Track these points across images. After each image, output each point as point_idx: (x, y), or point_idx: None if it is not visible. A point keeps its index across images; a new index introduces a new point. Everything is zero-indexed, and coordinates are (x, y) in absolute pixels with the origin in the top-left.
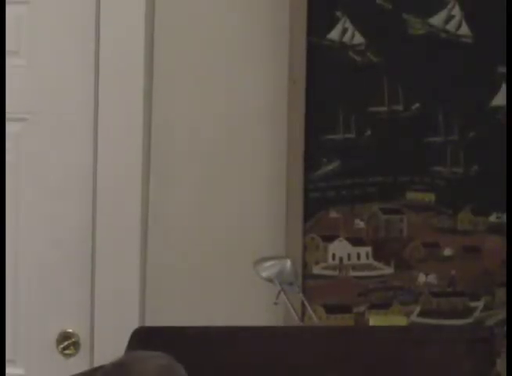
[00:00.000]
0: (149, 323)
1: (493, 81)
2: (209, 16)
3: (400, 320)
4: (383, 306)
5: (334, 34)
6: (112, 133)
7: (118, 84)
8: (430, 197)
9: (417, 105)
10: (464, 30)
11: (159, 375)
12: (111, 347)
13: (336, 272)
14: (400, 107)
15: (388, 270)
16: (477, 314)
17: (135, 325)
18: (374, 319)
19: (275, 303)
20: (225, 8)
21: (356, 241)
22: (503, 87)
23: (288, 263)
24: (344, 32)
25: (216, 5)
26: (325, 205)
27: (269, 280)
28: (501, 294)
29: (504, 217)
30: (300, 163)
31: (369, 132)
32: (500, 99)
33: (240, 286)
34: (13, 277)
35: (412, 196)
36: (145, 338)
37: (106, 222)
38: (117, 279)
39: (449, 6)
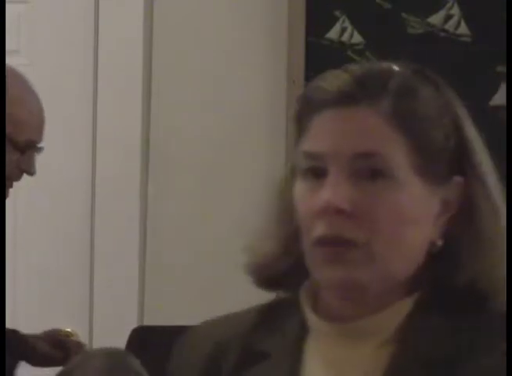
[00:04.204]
0: (147, 322)
1: (492, 80)
2: (208, 16)
3: None
4: None
5: (333, 34)
6: (111, 132)
7: (117, 83)
8: None
9: None
10: (463, 29)
11: None
12: (110, 346)
13: None
14: None
15: None
16: None
17: (134, 324)
18: None
19: None
20: (223, 7)
21: None
22: (502, 86)
23: None
24: (343, 31)
25: (215, 4)
26: None
27: None
28: None
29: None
30: None
31: None
32: (499, 99)
33: (240, 285)
34: (12, 277)
35: None
36: (143, 337)
37: (105, 223)
38: (116, 278)
39: (448, 5)
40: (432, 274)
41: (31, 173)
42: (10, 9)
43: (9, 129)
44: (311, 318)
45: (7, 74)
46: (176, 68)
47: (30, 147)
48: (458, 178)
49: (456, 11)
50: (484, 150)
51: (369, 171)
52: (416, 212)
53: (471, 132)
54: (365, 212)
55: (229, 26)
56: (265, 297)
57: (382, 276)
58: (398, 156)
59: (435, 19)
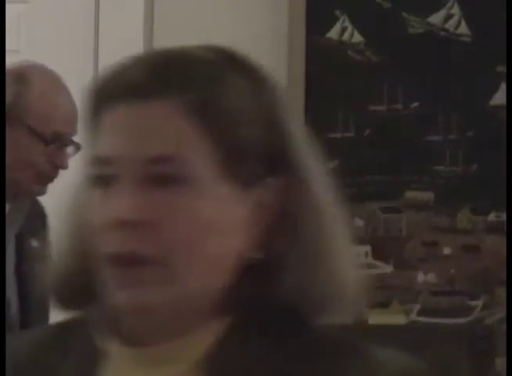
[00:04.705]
0: None
1: (492, 80)
2: (208, 16)
3: (399, 319)
4: (382, 305)
5: (333, 33)
6: None
7: None
8: (429, 196)
9: (416, 104)
10: (463, 29)
11: None
12: None
13: None
14: (399, 106)
15: (388, 269)
16: (476, 313)
17: None
18: (373, 318)
19: None
20: (223, 7)
21: (355, 240)
22: (502, 86)
23: None
24: (343, 31)
25: (215, 4)
26: None
27: None
28: (500, 292)
29: (503, 216)
30: None
31: (368, 131)
32: (499, 99)
33: None
34: None
35: (411, 195)
36: None
37: None
38: None
39: (448, 5)
40: (249, 292)
41: (64, 167)
42: (10, 9)
43: (31, 122)
44: (107, 343)
45: (32, 70)
46: None
47: (59, 140)
48: (276, 179)
49: (456, 11)
50: (308, 147)
51: (163, 177)
52: (221, 221)
53: (292, 127)
54: (159, 225)
55: (229, 26)
56: None
57: (182, 296)
58: (198, 157)
59: (435, 18)
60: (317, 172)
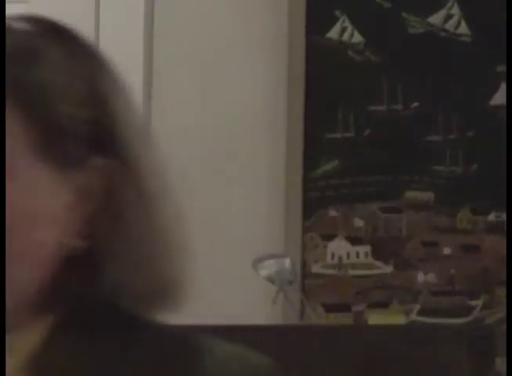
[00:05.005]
0: None
1: (492, 80)
2: (208, 16)
3: (399, 319)
4: (382, 305)
5: (333, 33)
6: None
7: None
8: (429, 196)
9: (416, 104)
10: (463, 29)
11: None
12: None
13: (335, 271)
14: (399, 106)
15: (387, 269)
16: (476, 313)
17: None
18: (373, 318)
19: (274, 302)
20: (223, 7)
21: (355, 240)
22: (502, 86)
23: (287, 262)
24: (343, 31)
25: (215, 4)
26: (324, 204)
27: (268, 278)
28: (500, 292)
29: (503, 216)
30: (299, 162)
31: (368, 131)
32: (499, 99)
33: (239, 285)
34: None
35: (411, 195)
36: None
37: None
38: None
39: (448, 5)
40: (73, 287)
41: None
42: (10, 9)
43: None
44: None
45: None
46: (176, 69)
47: None
48: (99, 161)
49: (456, 11)
50: (139, 128)
51: None
52: (38, 208)
53: (120, 105)
54: None
55: (229, 25)
56: (261, 296)
57: None
58: (9, 137)
59: (435, 18)
60: (147, 157)
